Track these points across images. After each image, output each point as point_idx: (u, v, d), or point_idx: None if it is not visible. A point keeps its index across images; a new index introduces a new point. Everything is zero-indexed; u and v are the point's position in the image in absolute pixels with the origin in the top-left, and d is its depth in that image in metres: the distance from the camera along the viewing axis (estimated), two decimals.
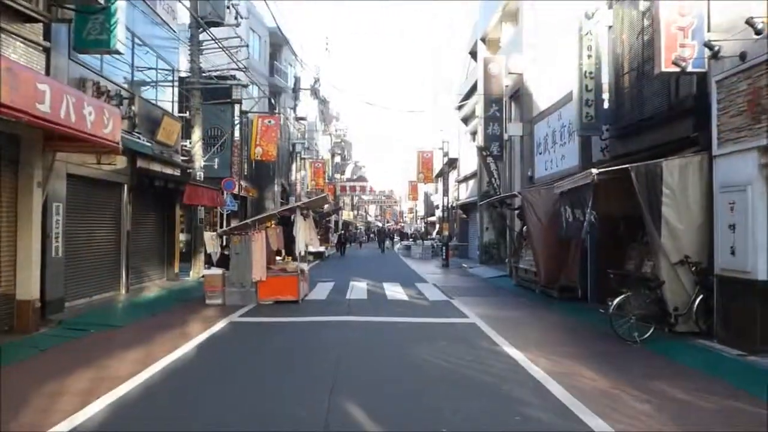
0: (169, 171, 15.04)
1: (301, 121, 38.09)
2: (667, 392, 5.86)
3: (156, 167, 14.10)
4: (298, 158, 36.22)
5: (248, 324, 9.99)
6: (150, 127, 14.13)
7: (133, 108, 12.75)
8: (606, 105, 12.07)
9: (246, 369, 6.81)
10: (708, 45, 7.75)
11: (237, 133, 23.42)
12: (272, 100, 26.53)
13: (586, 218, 9.32)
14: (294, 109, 35.44)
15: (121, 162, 12.52)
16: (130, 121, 12.68)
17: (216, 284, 12.28)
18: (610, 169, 9.09)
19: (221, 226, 20.34)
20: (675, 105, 9.43)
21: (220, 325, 9.54)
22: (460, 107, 31.11)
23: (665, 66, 8.09)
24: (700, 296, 8.43)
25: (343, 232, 43.59)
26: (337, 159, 62.29)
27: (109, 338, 8.69)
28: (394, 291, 14.79)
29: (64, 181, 10.41)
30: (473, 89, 26.20)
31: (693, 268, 8.51)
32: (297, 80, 34.70)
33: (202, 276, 13.58)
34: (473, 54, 27.99)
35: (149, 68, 15.21)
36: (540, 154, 16.60)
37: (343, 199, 59.45)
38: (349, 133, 73.81)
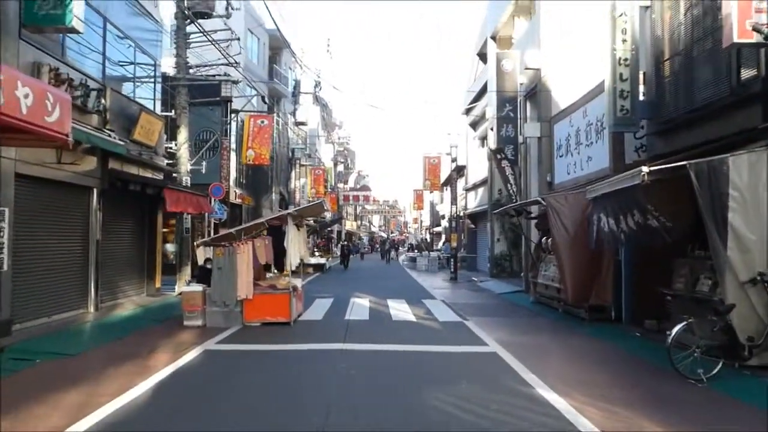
0: (148, 174, 13.54)
1: (302, 127, 36.53)
2: None
3: (132, 169, 12.61)
4: (298, 165, 34.60)
5: (224, 354, 8.36)
6: (125, 125, 12.56)
7: (103, 101, 11.23)
8: (642, 97, 10.52)
9: (204, 424, 5.18)
10: None
11: (232, 137, 21.92)
12: (265, 99, 25.01)
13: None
14: (294, 113, 33.94)
15: (88, 162, 11.03)
16: (99, 115, 11.17)
17: (195, 303, 10.66)
18: (663, 167, 7.46)
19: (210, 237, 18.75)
20: (736, 91, 7.86)
21: (190, 356, 7.90)
22: (467, 111, 29.63)
23: (738, 36, 6.53)
24: None
25: (346, 243, 41.93)
26: (340, 168, 60.71)
27: (55, 372, 7.13)
28: (400, 309, 13.14)
29: (11, 181, 8.87)
30: (482, 92, 24.72)
31: None
32: (297, 83, 33.31)
33: (179, 293, 11.97)
34: (482, 56, 26.56)
35: (129, 63, 13.75)
36: (561, 156, 14.99)
37: (346, 208, 57.96)
38: (352, 141, 72.35)
